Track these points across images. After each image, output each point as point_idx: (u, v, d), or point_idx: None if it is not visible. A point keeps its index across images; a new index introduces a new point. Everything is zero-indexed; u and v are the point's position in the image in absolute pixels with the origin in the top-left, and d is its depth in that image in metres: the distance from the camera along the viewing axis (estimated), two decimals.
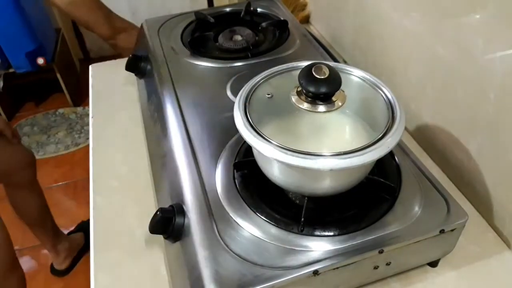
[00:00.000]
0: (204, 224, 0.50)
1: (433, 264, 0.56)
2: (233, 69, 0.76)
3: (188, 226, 0.52)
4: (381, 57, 0.83)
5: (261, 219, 0.51)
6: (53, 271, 1.51)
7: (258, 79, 0.53)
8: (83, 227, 1.57)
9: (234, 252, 0.47)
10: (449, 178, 0.69)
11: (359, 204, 0.52)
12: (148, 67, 0.83)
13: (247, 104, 0.50)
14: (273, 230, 0.50)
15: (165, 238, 0.55)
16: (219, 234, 0.49)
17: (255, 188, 0.54)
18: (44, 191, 1.37)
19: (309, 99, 0.49)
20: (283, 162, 0.43)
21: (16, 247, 1.59)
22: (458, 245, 0.55)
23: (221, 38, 0.84)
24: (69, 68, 2.34)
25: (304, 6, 1.14)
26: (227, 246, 0.48)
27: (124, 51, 0.95)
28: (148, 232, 0.53)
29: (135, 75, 0.88)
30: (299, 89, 0.50)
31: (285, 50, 0.81)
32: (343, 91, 0.50)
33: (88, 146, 0.81)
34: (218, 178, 0.56)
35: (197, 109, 0.68)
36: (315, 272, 0.46)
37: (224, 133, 0.62)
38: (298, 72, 0.49)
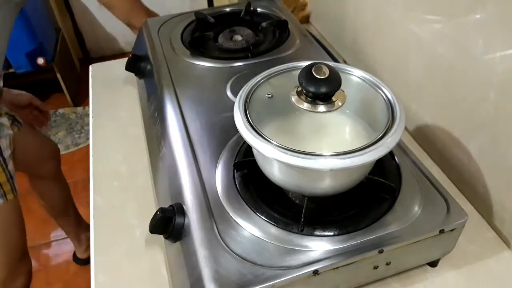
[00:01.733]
0: (204, 224, 0.51)
1: (433, 264, 0.56)
2: (233, 69, 0.76)
3: (188, 226, 0.52)
4: (381, 57, 0.83)
5: (261, 219, 0.51)
6: (76, 259, 1.54)
7: (258, 79, 0.53)
8: None
9: (234, 252, 0.47)
10: (449, 178, 0.69)
11: (359, 204, 0.52)
12: (148, 67, 0.83)
13: (247, 104, 0.50)
14: (273, 230, 0.50)
15: (165, 238, 0.55)
16: (219, 234, 0.49)
17: (255, 188, 0.54)
18: None
19: (309, 99, 0.49)
20: (283, 162, 0.43)
21: None
22: (458, 245, 0.55)
23: (221, 38, 0.84)
24: (69, 68, 2.34)
25: (304, 6, 1.14)
26: (227, 246, 0.48)
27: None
28: (148, 232, 0.53)
29: (135, 75, 0.88)
30: (299, 89, 0.50)
31: (285, 50, 0.81)
32: (343, 91, 0.50)
33: (88, 146, 0.81)
34: (218, 178, 0.56)
35: (197, 109, 0.68)
36: (315, 272, 0.46)
37: (224, 133, 0.62)
38: (298, 72, 0.49)
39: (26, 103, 1.16)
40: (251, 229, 0.50)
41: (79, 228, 1.44)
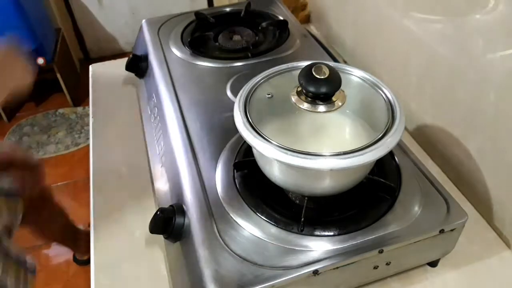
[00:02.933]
0: (204, 224, 0.51)
1: (433, 264, 0.56)
2: (233, 69, 0.76)
3: (188, 226, 0.52)
4: (381, 57, 0.83)
5: (261, 219, 0.51)
6: (76, 260, 1.54)
7: (258, 79, 0.53)
8: None
9: (234, 252, 0.47)
10: (449, 178, 0.69)
11: (359, 204, 0.52)
12: (148, 67, 0.83)
13: (247, 104, 0.50)
14: (273, 230, 0.50)
15: (165, 238, 0.55)
16: (219, 234, 0.49)
17: (255, 188, 0.54)
18: None
19: (309, 99, 0.49)
20: (283, 162, 0.43)
21: None
22: (458, 245, 0.55)
23: (221, 38, 0.84)
24: (69, 68, 2.34)
25: (304, 6, 1.14)
26: (227, 246, 0.48)
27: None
28: (148, 232, 0.53)
29: (135, 75, 0.88)
30: (299, 89, 0.50)
31: (285, 50, 0.81)
32: (343, 91, 0.50)
33: (88, 146, 0.81)
34: (218, 178, 0.56)
35: (197, 109, 0.68)
36: (315, 272, 0.46)
37: (224, 133, 0.62)
38: (298, 72, 0.49)
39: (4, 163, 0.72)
40: (251, 229, 0.50)
41: (76, 239, 1.42)
